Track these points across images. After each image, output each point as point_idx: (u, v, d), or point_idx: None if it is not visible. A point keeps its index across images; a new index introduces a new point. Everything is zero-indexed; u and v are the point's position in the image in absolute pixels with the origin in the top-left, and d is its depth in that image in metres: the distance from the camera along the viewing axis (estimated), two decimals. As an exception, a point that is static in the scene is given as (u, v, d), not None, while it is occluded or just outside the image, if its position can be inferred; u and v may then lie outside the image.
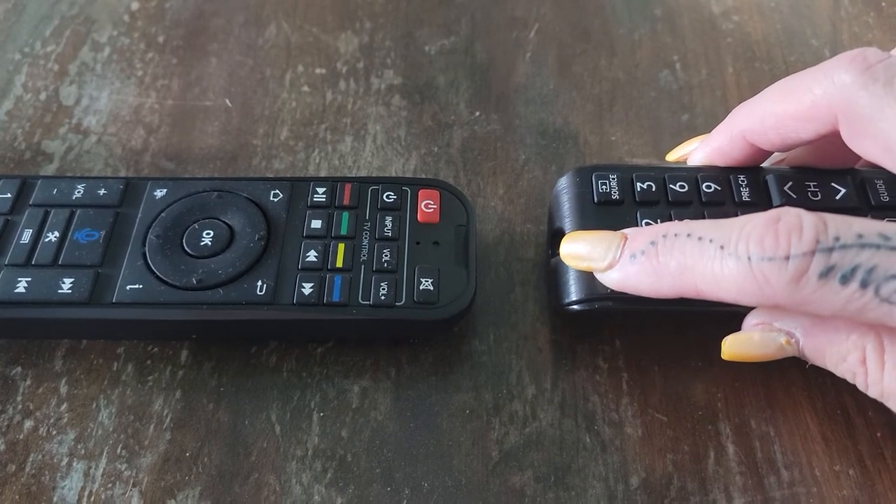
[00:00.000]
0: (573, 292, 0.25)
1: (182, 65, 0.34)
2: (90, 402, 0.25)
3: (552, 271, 0.26)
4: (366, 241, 0.26)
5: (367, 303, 0.24)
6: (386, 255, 0.25)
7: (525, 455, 0.24)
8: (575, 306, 0.25)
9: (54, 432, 0.24)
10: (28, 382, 0.25)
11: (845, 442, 0.24)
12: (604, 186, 0.26)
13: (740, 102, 0.34)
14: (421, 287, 0.25)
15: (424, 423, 0.25)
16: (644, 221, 0.26)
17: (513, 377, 0.26)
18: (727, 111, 0.33)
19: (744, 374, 0.26)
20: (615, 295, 0.24)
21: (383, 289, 0.25)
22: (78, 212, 0.26)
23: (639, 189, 0.26)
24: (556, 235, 0.26)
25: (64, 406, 0.25)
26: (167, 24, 0.36)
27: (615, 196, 0.26)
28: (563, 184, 0.27)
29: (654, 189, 0.26)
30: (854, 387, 0.25)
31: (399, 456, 0.24)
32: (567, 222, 0.26)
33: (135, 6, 0.37)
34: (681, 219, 0.26)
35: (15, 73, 0.34)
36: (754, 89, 0.34)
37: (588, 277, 0.25)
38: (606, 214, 0.26)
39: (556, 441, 0.24)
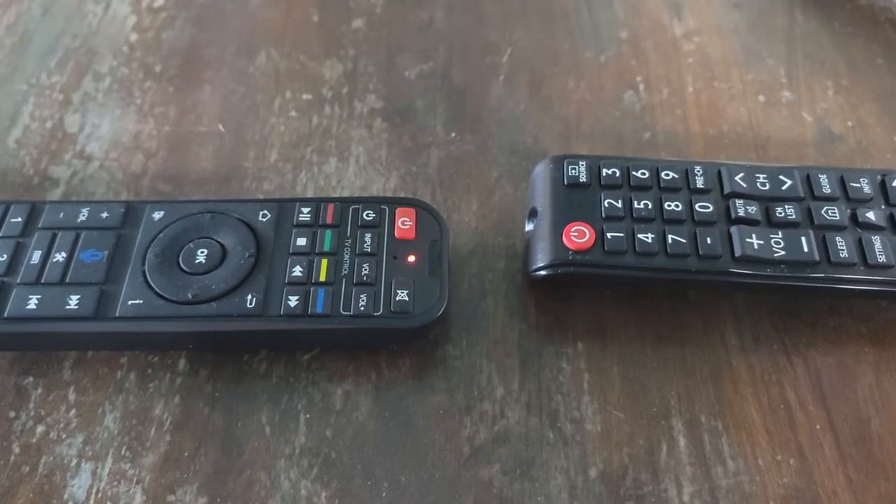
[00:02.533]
0: (539, 259, 0.28)
1: (178, 93, 0.37)
2: (96, 407, 0.27)
3: (526, 244, 0.30)
4: (347, 257, 0.28)
5: (348, 313, 0.27)
6: (365, 270, 0.28)
7: (493, 450, 0.26)
8: (541, 271, 0.28)
9: (64, 436, 0.26)
10: (39, 391, 0.27)
11: (787, 434, 0.27)
12: (573, 171, 0.30)
13: (699, 120, 0.36)
14: (397, 298, 0.27)
15: (402, 422, 0.27)
16: (607, 202, 0.29)
17: (483, 379, 0.28)
18: (686, 129, 0.36)
19: (695, 374, 0.28)
20: (576, 261, 0.28)
21: (363, 300, 0.27)
22: (83, 234, 0.29)
23: (604, 174, 0.30)
24: (532, 213, 0.30)
25: (72, 412, 0.27)
26: (164, 53, 0.39)
27: (583, 179, 0.30)
28: (540, 169, 0.31)
29: (617, 175, 0.30)
30: (797, 383, 0.28)
31: (379, 453, 0.26)
32: (540, 201, 0.30)
33: (133, 37, 0.39)
34: (639, 202, 0.29)
35: (22, 103, 0.36)
36: (712, 108, 0.37)
37: (552, 246, 0.28)
38: (574, 195, 0.30)
39: (522, 437, 0.26)
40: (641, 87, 0.38)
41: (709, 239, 0.28)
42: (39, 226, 0.29)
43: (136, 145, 0.35)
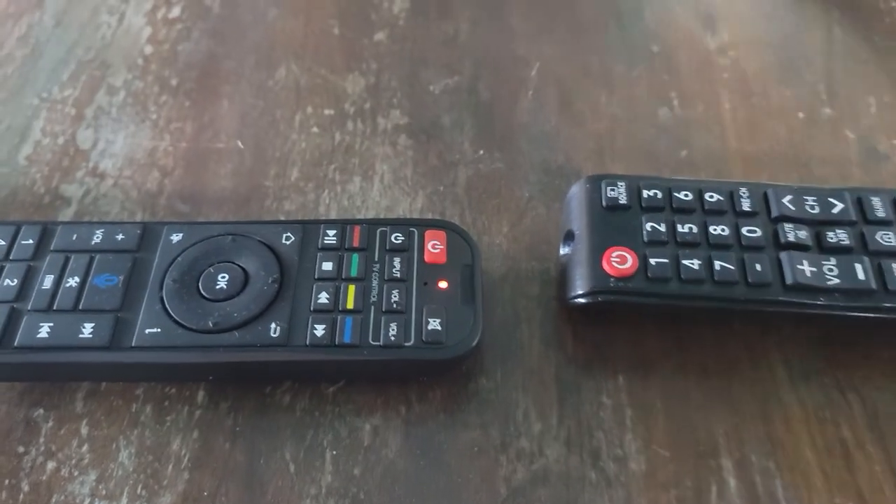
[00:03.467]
0: (578, 286, 0.27)
1: (195, 107, 0.35)
2: (110, 442, 0.26)
3: (562, 269, 0.29)
4: (375, 283, 0.27)
5: (378, 343, 0.25)
6: (395, 297, 0.26)
7: (532, 491, 0.25)
8: (580, 299, 0.27)
9: (76, 473, 0.25)
10: (50, 424, 0.26)
11: (844, 476, 0.25)
12: (612, 192, 0.29)
13: (737, 138, 0.35)
14: (429, 327, 0.26)
15: (434, 460, 0.25)
16: (649, 225, 0.28)
17: (519, 414, 0.26)
18: (724, 147, 0.35)
19: (744, 410, 0.26)
20: (618, 288, 0.26)
21: (392, 329, 0.25)
22: (97, 257, 0.27)
23: (645, 196, 0.29)
24: (568, 236, 0.28)
25: (85, 447, 0.25)
26: (180, 66, 0.37)
27: (623, 201, 0.28)
28: (575, 190, 0.30)
29: (659, 196, 0.29)
30: (853, 421, 0.26)
31: (410, 493, 0.25)
32: (577, 224, 0.28)
33: (148, 50, 0.38)
34: (683, 225, 0.28)
35: (33, 118, 0.35)
36: (751, 125, 0.35)
37: (592, 272, 0.27)
38: (614, 218, 0.28)
39: (562, 477, 0.25)
40: (676, 102, 0.36)
41: (758, 265, 0.27)
42: (52, 248, 0.27)
43: (151, 162, 0.33)
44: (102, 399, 0.26)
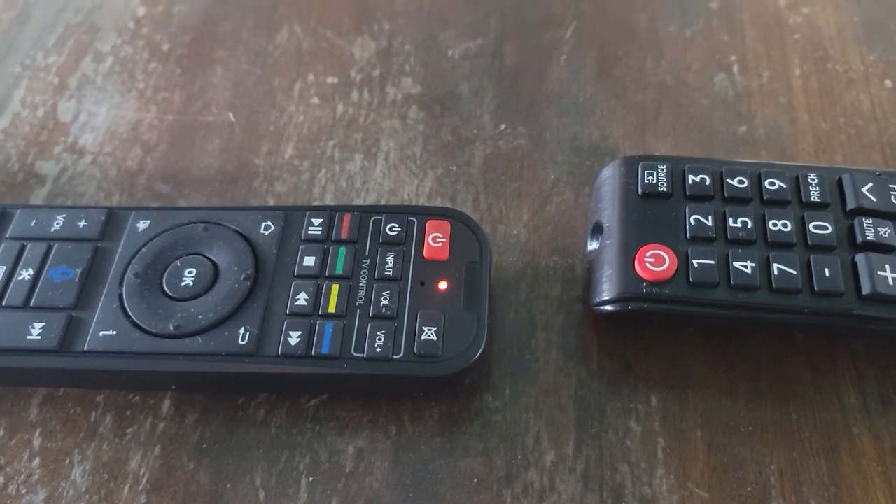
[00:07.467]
0: (604, 291, 0.23)
1: (186, 75, 0.32)
2: (64, 457, 0.23)
3: (588, 267, 0.24)
4: (363, 282, 0.23)
5: (361, 355, 0.22)
6: (385, 299, 0.22)
7: (539, 536, 0.21)
8: (607, 306, 0.23)
9: (24, 491, 0.22)
10: (0, 433, 0.23)
11: (929, 533, 0.20)
12: (650, 177, 0.24)
13: (809, 111, 0.29)
14: (423, 337, 0.22)
15: (425, 492, 0.21)
16: (693, 218, 0.23)
17: (529, 440, 0.22)
18: (792, 122, 0.29)
19: (804, 443, 0.22)
20: (651, 295, 0.22)
21: (379, 339, 0.22)
22: (55, 246, 0.24)
23: (690, 182, 0.24)
24: (596, 229, 0.24)
25: (36, 461, 0.23)
26: (173, 30, 0.34)
27: (662, 188, 0.24)
28: (607, 174, 0.25)
29: (707, 183, 0.24)
30: (941, 463, 0.21)
31: (395, 532, 0.21)
32: (607, 215, 0.24)
33: (141, 12, 0.35)
34: (735, 219, 0.23)
35: (14, 88, 0.32)
36: (826, 96, 0.30)
37: (621, 275, 0.22)
38: (651, 208, 0.24)
39: (576, 520, 0.21)
40: (736, 68, 0.31)
41: (827, 270, 0.22)
42: (7, 235, 0.24)
43: (134, 137, 0.30)
44: (59, 406, 0.24)
